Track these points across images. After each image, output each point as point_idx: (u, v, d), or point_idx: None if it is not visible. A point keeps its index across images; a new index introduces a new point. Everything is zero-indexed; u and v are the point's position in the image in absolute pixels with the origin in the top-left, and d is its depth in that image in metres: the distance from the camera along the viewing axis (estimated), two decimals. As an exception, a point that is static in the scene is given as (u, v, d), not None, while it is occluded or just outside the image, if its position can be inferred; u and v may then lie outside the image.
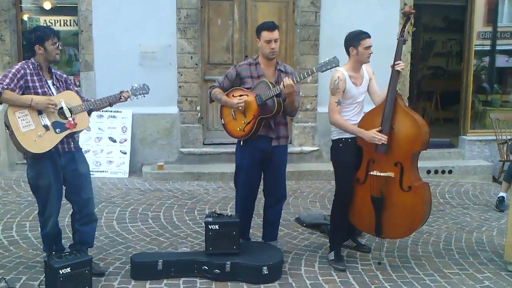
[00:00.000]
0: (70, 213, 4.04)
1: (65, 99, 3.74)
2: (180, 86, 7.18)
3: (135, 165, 7.14)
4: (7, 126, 3.59)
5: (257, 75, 4.12)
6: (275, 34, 4.01)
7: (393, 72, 3.98)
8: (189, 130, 7.27)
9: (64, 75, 3.94)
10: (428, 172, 7.29)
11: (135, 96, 4.07)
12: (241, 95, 4.11)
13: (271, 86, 3.96)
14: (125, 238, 4.70)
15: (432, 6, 9.47)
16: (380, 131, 3.90)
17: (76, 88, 4.00)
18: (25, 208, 5.47)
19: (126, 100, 4.00)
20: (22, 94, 3.58)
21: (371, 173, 4.01)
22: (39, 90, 3.65)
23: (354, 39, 4.00)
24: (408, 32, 4.11)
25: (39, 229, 4.00)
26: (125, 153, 7.06)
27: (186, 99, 7.21)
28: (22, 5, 7.29)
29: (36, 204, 3.92)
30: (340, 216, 4.19)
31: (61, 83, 3.83)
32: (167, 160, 7.16)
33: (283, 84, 3.83)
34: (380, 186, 3.98)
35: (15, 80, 3.56)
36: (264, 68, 4.13)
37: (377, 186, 3.99)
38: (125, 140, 7.10)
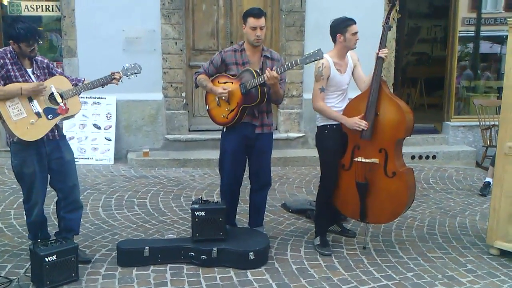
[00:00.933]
0: (55, 200, 4.02)
1: (55, 84, 3.68)
2: (164, 72, 7.12)
3: (120, 152, 7.10)
4: None
5: (242, 62, 4.10)
6: (261, 21, 3.99)
7: (378, 59, 4.00)
8: (175, 117, 7.24)
9: (46, 60, 3.86)
10: (413, 157, 7.36)
11: (127, 76, 3.97)
12: (225, 82, 4.10)
13: (255, 75, 3.95)
14: (111, 225, 4.69)
15: (417, -8, 9.50)
16: (364, 118, 3.93)
17: (59, 70, 3.94)
18: (10, 196, 5.42)
19: (118, 81, 3.89)
20: (4, 84, 3.53)
21: (356, 159, 4.04)
22: (20, 79, 3.60)
23: (341, 26, 4.00)
24: (393, 19, 4.12)
25: (24, 217, 3.98)
26: (110, 140, 7.02)
27: (171, 85, 7.17)
28: (3, -11, 7.15)
29: (21, 192, 3.89)
30: (325, 202, 4.22)
31: (41, 71, 3.76)
32: (152, 146, 7.13)
33: (267, 76, 3.83)
34: (365, 172, 4.02)
35: None
36: (249, 54, 4.11)
37: (362, 172, 4.03)
38: (110, 127, 7.05)
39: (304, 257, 4.08)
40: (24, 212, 3.93)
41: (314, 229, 4.38)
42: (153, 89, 7.08)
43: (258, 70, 4.02)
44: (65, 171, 3.83)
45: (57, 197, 3.94)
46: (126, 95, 6.88)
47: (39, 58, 3.80)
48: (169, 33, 7.04)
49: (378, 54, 3.98)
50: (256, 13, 4.00)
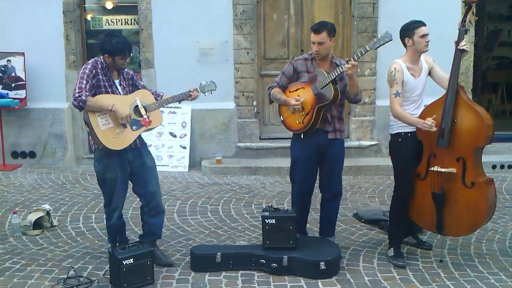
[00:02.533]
0: (133, 205, 4.19)
1: (140, 98, 3.90)
2: (236, 82, 7.25)
3: (195, 159, 7.29)
4: (87, 123, 3.77)
5: (313, 70, 4.10)
6: (319, 37, 3.99)
7: (456, 53, 3.83)
8: (246, 125, 7.34)
9: (131, 72, 4.09)
10: (494, 167, 6.99)
11: (204, 93, 4.15)
12: (297, 89, 4.12)
13: (326, 74, 3.95)
14: (185, 231, 4.82)
15: (498, -6, 9.05)
16: (440, 125, 3.79)
17: (142, 83, 4.14)
18: (91, 200, 5.72)
19: (195, 98, 4.08)
20: (94, 93, 3.74)
21: (432, 168, 3.90)
22: (109, 90, 3.82)
23: (408, 29, 3.91)
24: (470, 22, 3.97)
25: (104, 221, 4.18)
26: (185, 148, 7.23)
27: (243, 94, 7.28)
28: (86, 5, 7.59)
29: (102, 197, 4.09)
30: (400, 212, 4.10)
31: (127, 82, 3.99)
32: (225, 154, 7.27)
33: (347, 66, 3.80)
34: (442, 182, 3.87)
35: (89, 81, 3.72)
36: (319, 63, 4.12)
37: (438, 182, 3.88)
38: (185, 135, 7.27)
39: (377, 269, 3.98)
40: (105, 216, 4.14)
41: (388, 240, 4.26)
42: (225, 98, 7.22)
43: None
44: (147, 177, 4.01)
45: (140, 203, 4.13)
46: (200, 105, 7.05)
47: (125, 70, 4.01)
48: (241, 43, 7.16)
49: (456, 44, 3.81)
50: (315, 28, 4.04)
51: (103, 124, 3.73)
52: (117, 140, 3.75)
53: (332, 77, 3.91)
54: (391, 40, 3.77)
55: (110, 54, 3.78)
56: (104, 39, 3.84)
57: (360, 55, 3.88)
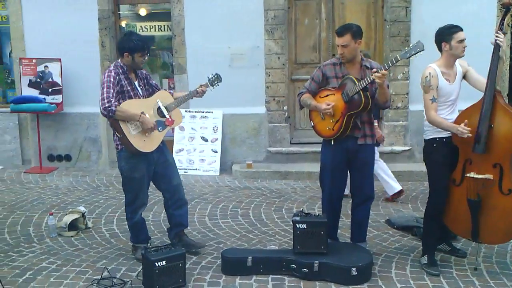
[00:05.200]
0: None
1: (161, 99, 4.02)
2: (267, 87, 7.27)
3: (226, 164, 7.34)
4: (117, 130, 3.86)
5: (342, 75, 4.08)
6: (342, 39, 3.97)
7: (494, 57, 3.74)
8: (277, 130, 7.35)
9: (144, 71, 4.18)
10: (531, 173, 6.79)
11: (212, 86, 4.31)
12: (327, 95, 4.10)
13: (356, 81, 3.93)
14: (217, 234, 4.86)
15: (536, -4, 8.80)
16: (477, 130, 3.71)
17: (154, 81, 4.25)
18: (124, 203, 5.81)
19: (203, 93, 4.23)
20: (118, 99, 3.83)
21: (468, 175, 3.82)
22: (131, 93, 3.92)
23: (446, 33, 3.84)
24: (508, 25, 3.88)
25: (127, 220, 4.27)
26: (216, 152, 7.29)
27: (274, 99, 7.29)
28: (120, 12, 7.75)
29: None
30: (434, 219, 4.03)
31: (143, 81, 4.10)
32: (255, 159, 7.29)
33: (376, 75, 3.74)
34: (478, 188, 3.79)
35: (115, 88, 3.81)
36: (348, 66, 4.08)
37: (474, 188, 3.80)
38: (216, 140, 7.32)
39: (409, 276, 3.92)
40: (127, 216, 4.23)
41: (421, 247, 4.19)
42: (256, 103, 7.26)
43: (358, 78, 3.98)
44: (170, 172, 4.17)
45: (164, 198, 4.26)
46: (231, 109, 7.14)
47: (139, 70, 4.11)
48: (272, 48, 7.18)
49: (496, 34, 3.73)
50: (337, 31, 4.04)
51: (133, 129, 3.84)
52: (147, 142, 3.88)
53: (362, 86, 3.88)
54: (423, 50, 3.71)
55: (130, 51, 3.86)
56: (123, 38, 3.95)
57: (391, 64, 3.83)
